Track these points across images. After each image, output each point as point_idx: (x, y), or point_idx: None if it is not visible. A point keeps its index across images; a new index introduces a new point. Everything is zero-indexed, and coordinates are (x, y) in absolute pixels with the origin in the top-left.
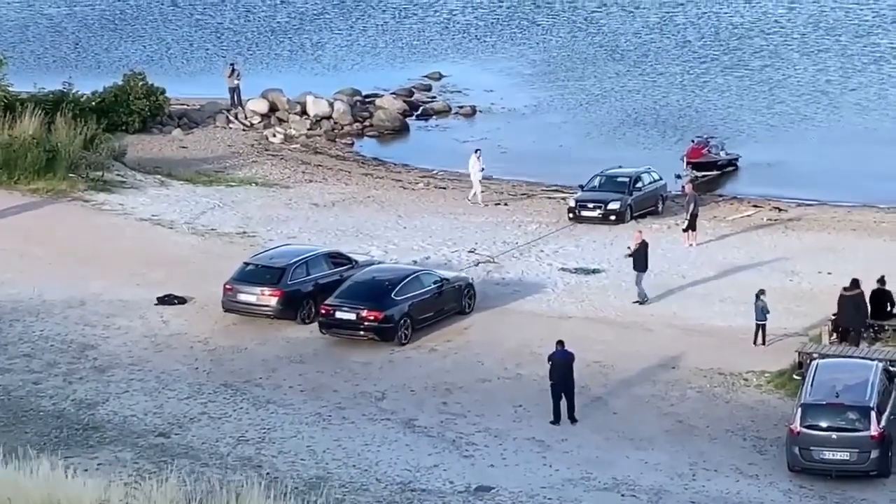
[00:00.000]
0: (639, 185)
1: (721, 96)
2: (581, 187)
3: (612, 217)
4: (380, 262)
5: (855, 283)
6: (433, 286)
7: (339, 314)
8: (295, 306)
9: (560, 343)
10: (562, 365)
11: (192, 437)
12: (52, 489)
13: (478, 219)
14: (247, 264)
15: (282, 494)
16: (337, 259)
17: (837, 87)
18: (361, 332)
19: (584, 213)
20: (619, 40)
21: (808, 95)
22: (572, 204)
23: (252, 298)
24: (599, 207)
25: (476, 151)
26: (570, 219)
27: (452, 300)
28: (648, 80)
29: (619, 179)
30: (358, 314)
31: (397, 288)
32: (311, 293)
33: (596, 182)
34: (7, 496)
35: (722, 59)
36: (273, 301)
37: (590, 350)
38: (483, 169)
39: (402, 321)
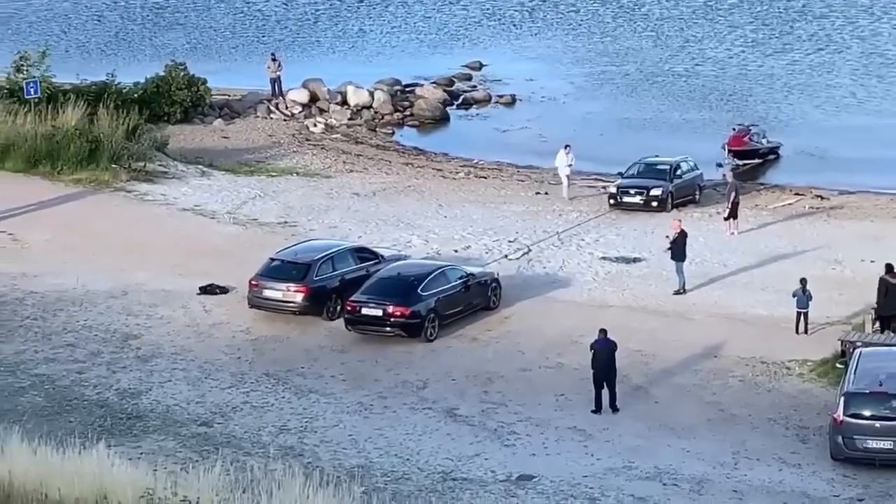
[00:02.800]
0: (678, 172)
1: (766, 83)
2: (620, 174)
3: (655, 203)
4: (406, 257)
5: (890, 268)
6: (459, 281)
7: (364, 310)
8: (321, 302)
9: (602, 331)
10: (604, 353)
11: (234, 427)
12: (97, 478)
13: (518, 208)
14: (272, 260)
15: (324, 483)
16: (363, 254)
17: (885, 73)
18: (388, 329)
19: (626, 199)
20: (662, 26)
21: (855, 82)
22: (613, 190)
23: (278, 295)
24: (642, 193)
25: (566, 147)
26: (611, 205)
27: (478, 295)
28: (691, 67)
29: (660, 167)
30: (384, 310)
31: (423, 283)
32: (337, 289)
33: (635, 170)
34: (55, 485)
35: (770, 44)
36: (299, 297)
37: (631, 339)
38: (571, 164)
39: (428, 317)
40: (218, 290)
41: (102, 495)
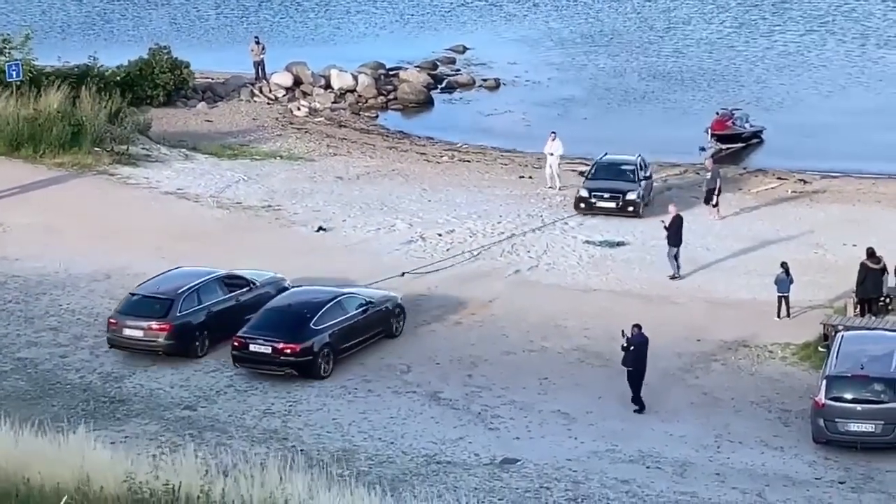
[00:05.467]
0: (642, 173)
1: (752, 65)
2: (582, 175)
3: (630, 208)
4: (283, 280)
5: (871, 253)
6: (357, 311)
7: (252, 347)
8: (186, 340)
9: (637, 326)
10: (640, 349)
11: (218, 410)
12: (79, 462)
13: (502, 191)
14: (132, 294)
15: (307, 466)
16: (233, 282)
17: (876, 56)
18: (277, 367)
19: (601, 204)
20: (648, 8)
21: (845, 64)
22: (584, 193)
23: (139, 334)
24: (617, 198)
25: (552, 134)
26: (580, 209)
27: (380, 324)
28: (677, 49)
29: (624, 167)
30: (273, 347)
31: (316, 316)
32: (204, 323)
33: (598, 170)
34: (36, 468)
35: (757, 26)
36: (162, 336)
37: (615, 323)
38: (554, 153)
39: (322, 352)
40: None
41: (84, 480)
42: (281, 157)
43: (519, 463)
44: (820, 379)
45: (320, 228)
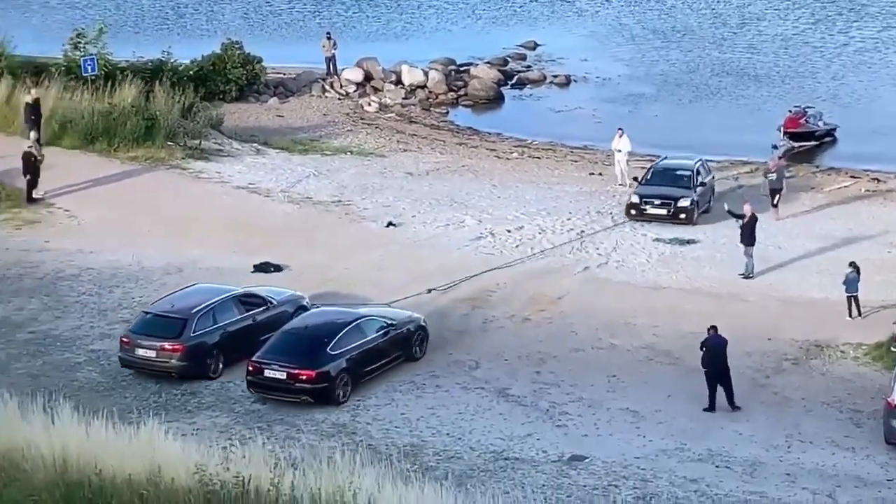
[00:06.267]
0: (699, 178)
1: (827, 63)
2: (636, 180)
3: (683, 215)
4: (302, 298)
5: None
6: (378, 334)
7: (267, 372)
8: (200, 361)
9: (713, 328)
10: (716, 350)
11: (288, 404)
12: (150, 454)
13: (572, 188)
14: (145, 313)
15: (376, 461)
16: (249, 300)
17: None
18: (292, 394)
19: (651, 211)
20: (720, 5)
21: None
22: (635, 200)
23: (151, 354)
24: (668, 204)
25: (619, 130)
26: (630, 216)
27: (400, 347)
28: (749, 47)
29: (680, 172)
30: (289, 373)
31: (334, 340)
32: (219, 344)
33: (652, 175)
34: (108, 460)
35: (832, 22)
36: (174, 357)
37: (685, 321)
38: (621, 149)
39: (339, 378)
40: (272, 268)
41: (156, 471)
42: (351, 152)
43: (587, 460)
44: (892, 379)
45: (390, 224)
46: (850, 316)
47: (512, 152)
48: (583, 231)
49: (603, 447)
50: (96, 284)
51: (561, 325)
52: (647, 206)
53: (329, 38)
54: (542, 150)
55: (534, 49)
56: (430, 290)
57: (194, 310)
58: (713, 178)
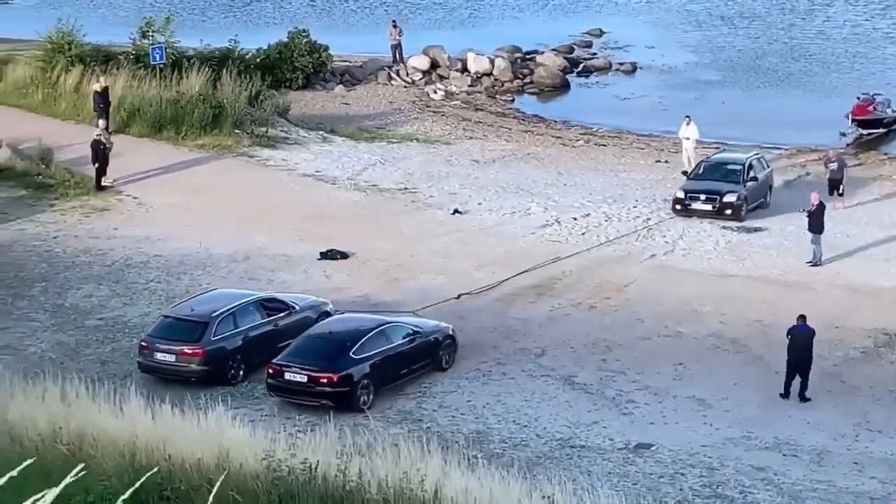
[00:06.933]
0: (752, 173)
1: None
2: (685, 174)
3: (729, 210)
4: (326, 304)
5: None
6: (403, 341)
7: (287, 375)
8: (221, 366)
9: (802, 317)
10: (802, 339)
11: None
12: (218, 440)
13: (638, 176)
14: (165, 317)
15: (442, 448)
16: (272, 305)
17: None
18: (312, 398)
19: (696, 206)
20: None
21: None
22: (680, 195)
23: (170, 358)
24: (713, 200)
25: (686, 118)
26: (676, 211)
27: (427, 356)
28: (818, 33)
29: (731, 166)
30: (310, 376)
31: (358, 345)
32: (240, 349)
33: (703, 169)
34: (176, 445)
35: None
36: (194, 362)
37: (751, 309)
38: (689, 137)
39: (361, 383)
40: (339, 256)
41: (224, 457)
42: (417, 140)
43: (653, 448)
44: None
45: (456, 211)
46: None
47: (578, 140)
48: (649, 218)
49: (669, 435)
50: (164, 272)
51: (627, 313)
52: (692, 202)
53: (395, 26)
54: (609, 137)
55: (599, 36)
56: (459, 296)
57: (215, 313)
58: (770, 171)
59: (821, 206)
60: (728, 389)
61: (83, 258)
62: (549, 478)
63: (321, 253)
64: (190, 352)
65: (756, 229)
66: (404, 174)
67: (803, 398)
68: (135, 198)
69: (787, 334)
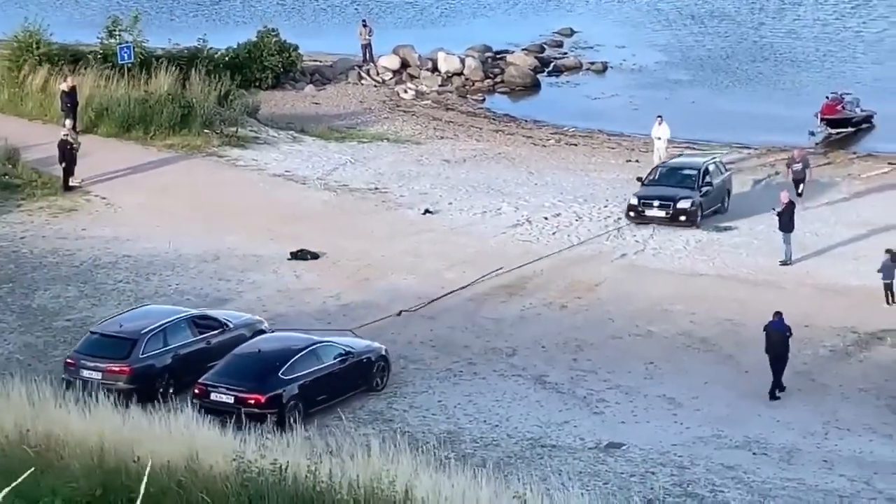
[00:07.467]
0: (707, 178)
1: (867, 48)
2: (640, 180)
3: (683, 217)
4: (261, 322)
5: None
6: (334, 361)
7: (214, 395)
8: (149, 384)
9: (777, 314)
10: (774, 337)
11: None
12: (189, 440)
13: (609, 175)
14: (92, 333)
15: (413, 448)
16: (203, 322)
17: None
18: (240, 419)
19: (649, 213)
20: None
21: None
22: (634, 201)
23: (97, 376)
24: (667, 206)
25: (658, 118)
26: (630, 218)
27: (359, 376)
28: (787, 32)
29: (686, 171)
30: (236, 397)
31: (287, 365)
32: (170, 367)
33: (658, 174)
34: (145, 447)
35: (876, 8)
36: (121, 380)
37: (722, 308)
38: (659, 137)
39: (290, 405)
40: (309, 256)
41: (193, 458)
42: (388, 139)
43: (624, 447)
44: None
45: (426, 211)
46: (888, 303)
47: (548, 139)
48: (620, 218)
49: (640, 434)
50: (133, 272)
51: (598, 313)
52: (646, 209)
53: (365, 26)
54: (579, 137)
55: (570, 36)
56: (400, 313)
57: (144, 330)
58: (729, 176)
59: (790, 205)
60: (698, 388)
61: (51, 259)
62: (520, 477)
63: (291, 253)
64: (117, 369)
65: (726, 228)
66: (375, 174)
67: (773, 396)
68: (103, 198)
69: (764, 330)
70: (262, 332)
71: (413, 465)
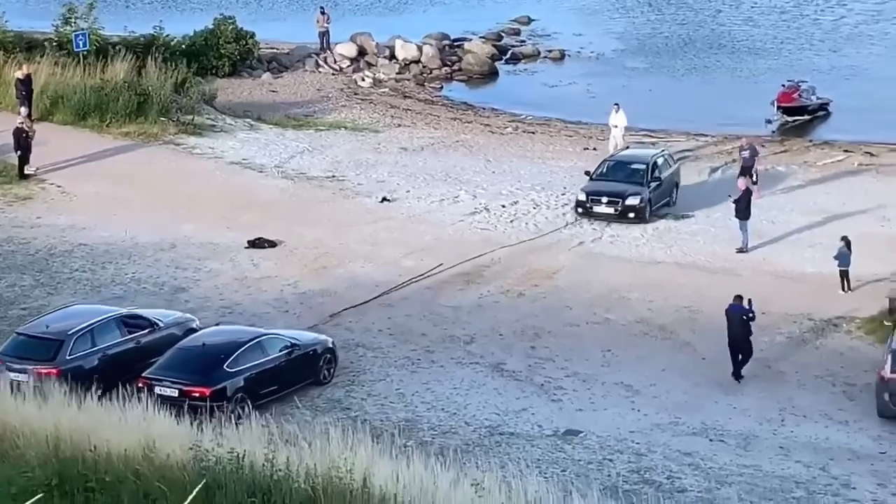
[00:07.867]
0: (656, 173)
1: (824, 35)
2: (588, 174)
3: (632, 214)
4: (193, 321)
5: None
6: (280, 353)
7: (158, 389)
8: (76, 386)
9: (737, 297)
10: (732, 319)
11: None
12: (146, 429)
13: (566, 163)
14: (18, 334)
15: (371, 436)
16: (133, 322)
17: None
18: (185, 413)
19: (597, 210)
20: None
21: None
22: (582, 197)
23: (23, 378)
24: (616, 203)
25: (615, 105)
26: (578, 214)
27: (305, 369)
28: (745, 20)
29: (634, 166)
30: (181, 390)
31: (231, 357)
32: (98, 368)
33: (606, 168)
34: (102, 436)
35: None
36: (48, 382)
37: (679, 296)
38: (618, 125)
39: (235, 397)
40: (266, 244)
41: (150, 447)
42: (345, 127)
43: (582, 435)
44: (885, 353)
45: (384, 199)
46: (843, 290)
47: (506, 127)
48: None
49: (597, 421)
50: (89, 261)
51: (555, 300)
52: (594, 205)
53: (323, 13)
54: (537, 125)
55: (528, 24)
56: (331, 316)
57: (71, 331)
58: (677, 168)
59: (747, 193)
60: (656, 375)
61: (6, 247)
62: (479, 465)
63: (249, 241)
64: (44, 371)
65: (683, 216)
66: (332, 162)
67: (736, 377)
68: (59, 186)
69: (725, 314)
70: (194, 330)
71: (371, 454)
